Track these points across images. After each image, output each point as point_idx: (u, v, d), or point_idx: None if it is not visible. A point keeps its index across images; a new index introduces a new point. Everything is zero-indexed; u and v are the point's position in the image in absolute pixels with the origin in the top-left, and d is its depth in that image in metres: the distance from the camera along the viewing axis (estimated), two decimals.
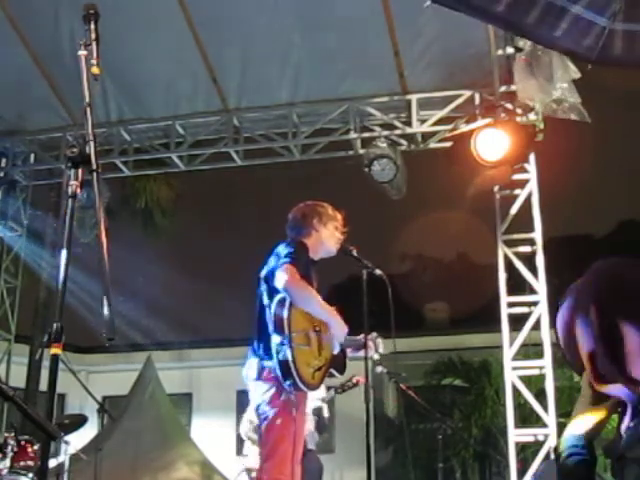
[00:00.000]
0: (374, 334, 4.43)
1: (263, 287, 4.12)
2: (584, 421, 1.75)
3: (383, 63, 7.25)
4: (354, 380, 5.83)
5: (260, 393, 3.99)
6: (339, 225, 4.40)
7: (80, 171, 2.54)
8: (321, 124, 7.71)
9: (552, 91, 6.19)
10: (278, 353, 3.82)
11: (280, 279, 3.86)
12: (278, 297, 3.93)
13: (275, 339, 3.85)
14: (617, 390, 1.67)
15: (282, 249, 4.06)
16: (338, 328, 4.09)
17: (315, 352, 4.01)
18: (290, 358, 3.78)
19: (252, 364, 4.04)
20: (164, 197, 14.84)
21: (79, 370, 11.80)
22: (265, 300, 4.05)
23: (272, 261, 4.08)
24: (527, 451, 8.57)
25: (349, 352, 4.33)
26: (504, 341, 6.77)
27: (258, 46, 7.23)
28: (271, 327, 3.90)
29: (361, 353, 4.35)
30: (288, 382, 3.81)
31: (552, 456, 1.67)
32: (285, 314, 3.86)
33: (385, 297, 4.31)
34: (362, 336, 4.34)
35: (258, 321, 4.10)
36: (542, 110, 6.47)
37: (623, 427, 1.66)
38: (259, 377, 3.99)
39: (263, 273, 4.15)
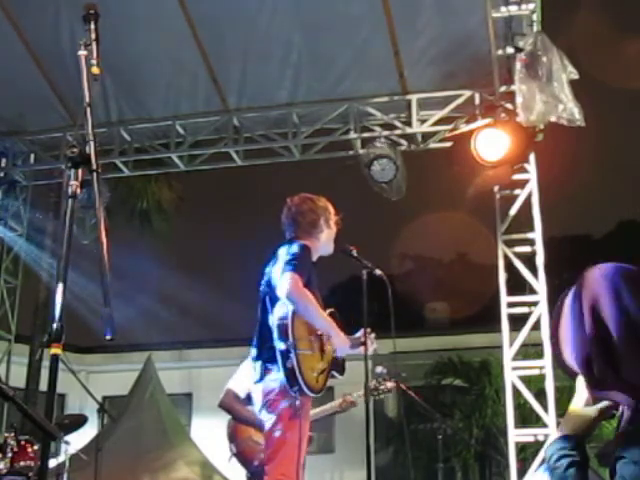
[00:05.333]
0: (368, 330, 4.39)
1: (265, 290, 4.09)
2: (574, 422, 1.73)
3: (383, 63, 7.24)
4: (389, 386, 5.66)
5: (263, 396, 3.99)
6: (335, 219, 4.38)
7: (80, 171, 2.54)
8: (321, 124, 7.70)
9: (551, 92, 6.19)
10: (285, 360, 3.80)
11: (284, 288, 3.83)
12: (279, 304, 3.92)
13: (280, 345, 3.84)
14: (613, 395, 1.65)
15: (285, 253, 4.03)
16: (339, 342, 4.09)
17: (318, 356, 4.01)
18: (296, 365, 3.78)
19: (255, 367, 4.03)
20: (166, 199, 14.83)
21: (79, 370, 11.79)
22: (267, 304, 4.04)
23: (275, 265, 4.05)
24: (527, 451, 8.57)
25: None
26: (504, 341, 6.77)
27: (258, 46, 7.23)
28: (275, 333, 3.88)
29: (357, 351, 4.33)
30: (294, 388, 3.81)
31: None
32: (289, 321, 3.85)
33: (385, 297, 4.30)
34: (359, 334, 4.32)
35: (260, 325, 4.09)
36: (541, 111, 6.46)
37: (620, 430, 1.65)
38: (261, 379, 3.99)
39: (266, 277, 4.12)
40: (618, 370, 1.61)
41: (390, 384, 5.44)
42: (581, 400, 1.73)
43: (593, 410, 1.72)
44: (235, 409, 5.47)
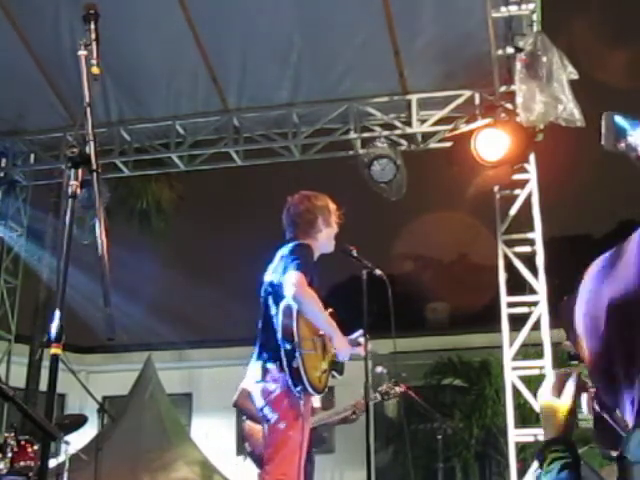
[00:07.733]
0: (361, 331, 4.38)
1: (268, 290, 4.08)
2: (555, 421, 1.69)
3: (383, 63, 7.25)
4: (399, 391, 5.68)
5: (264, 395, 3.98)
6: (337, 216, 4.38)
7: (80, 171, 2.54)
8: (321, 124, 7.70)
9: (551, 92, 6.19)
10: (290, 360, 3.81)
11: (289, 288, 3.83)
12: (284, 304, 3.91)
13: (285, 345, 3.84)
14: None
15: (288, 253, 4.02)
16: (341, 346, 4.08)
17: (320, 356, 4.01)
18: (301, 365, 3.78)
19: (256, 366, 4.03)
20: (166, 199, 14.82)
21: (79, 370, 11.77)
22: (270, 304, 4.03)
23: (277, 264, 4.05)
24: (527, 451, 8.56)
25: None
26: (504, 341, 6.77)
27: (258, 46, 7.23)
28: (279, 334, 3.88)
29: (354, 350, 4.32)
30: (298, 388, 3.81)
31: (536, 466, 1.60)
32: (294, 321, 3.85)
33: (385, 297, 4.30)
34: (355, 335, 4.31)
35: (262, 324, 4.08)
36: (541, 111, 6.47)
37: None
38: (263, 379, 3.98)
39: (268, 277, 4.11)
40: None
41: (399, 389, 5.45)
42: (550, 390, 1.68)
43: (565, 400, 1.68)
44: (248, 408, 5.46)
